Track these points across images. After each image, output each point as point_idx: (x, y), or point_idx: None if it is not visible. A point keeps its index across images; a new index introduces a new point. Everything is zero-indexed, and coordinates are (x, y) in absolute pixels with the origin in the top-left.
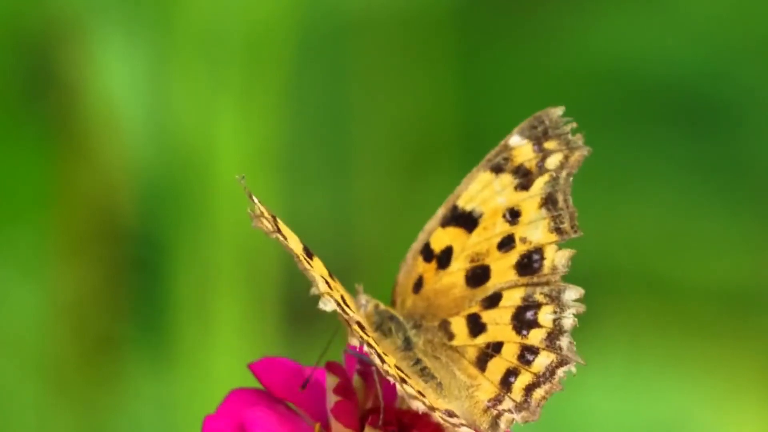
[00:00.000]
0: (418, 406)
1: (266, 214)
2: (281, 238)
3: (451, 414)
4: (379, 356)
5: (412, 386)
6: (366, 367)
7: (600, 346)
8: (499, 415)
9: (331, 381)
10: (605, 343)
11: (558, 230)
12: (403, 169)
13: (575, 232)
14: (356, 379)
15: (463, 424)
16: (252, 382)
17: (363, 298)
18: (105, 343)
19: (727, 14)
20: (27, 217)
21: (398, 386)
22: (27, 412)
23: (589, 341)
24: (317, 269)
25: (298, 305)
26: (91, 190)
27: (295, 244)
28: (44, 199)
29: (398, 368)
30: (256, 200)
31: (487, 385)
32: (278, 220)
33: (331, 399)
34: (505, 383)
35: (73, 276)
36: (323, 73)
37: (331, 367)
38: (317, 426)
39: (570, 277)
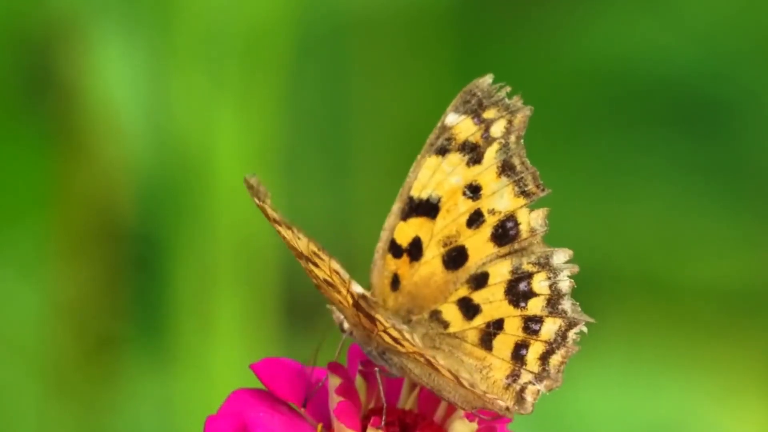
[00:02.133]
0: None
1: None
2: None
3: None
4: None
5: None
6: (368, 367)
7: (600, 345)
8: (522, 390)
9: (333, 381)
10: (605, 343)
11: (524, 193)
12: (403, 169)
13: (542, 190)
14: (358, 380)
15: (496, 399)
16: (252, 382)
17: (342, 315)
18: (105, 342)
19: (727, 14)
20: (26, 217)
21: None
22: (27, 412)
23: (589, 341)
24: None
25: (298, 305)
26: (91, 190)
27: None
28: (44, 198)
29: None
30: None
31: (499, 363)
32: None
33: (334, 399)
34: (517, 357)
35: (72, 276)
36: (323, 73)
37: (333, 368)
38: (319, 426)
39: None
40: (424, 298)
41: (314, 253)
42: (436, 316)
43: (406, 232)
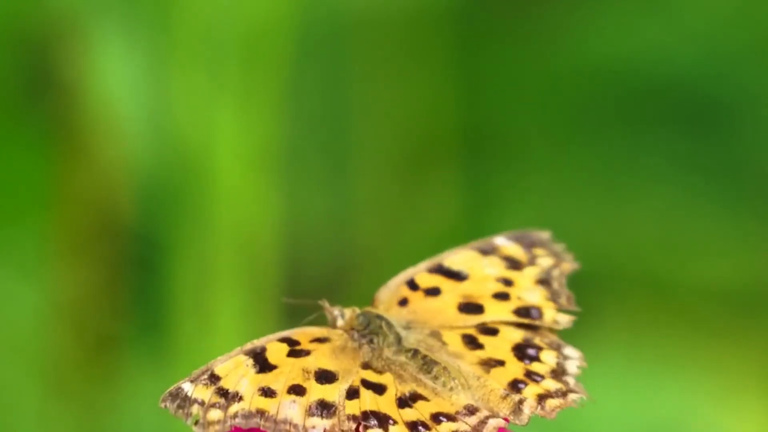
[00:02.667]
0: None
1: None
2: None
3: (471, 410)
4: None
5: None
6: None
7: (600, 345)
8: (521, 401)
9: None
10: (605, 343)
11: (555, 302)
12: (403, 169)
13: (571, 306)
14: None
15: (488, 417)
16: None
17: (335, 310)
18: (105, 342)
19: (727, 15)
20: (26, 217)
21: None
22: (27, 411)
23: (589, 340)
24: None
25: (297, 304)
26: (91, 190)
27: None
28: (44, 198)
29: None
30: None
31: (495, 384)
32: None
33: None
34: (514, 388)
35: (72, 275)
36: (323, 73)
37: None
38: None
39: (571, 277)
40: (429, 320)
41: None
42: (436, 335)
43: (428, 280)
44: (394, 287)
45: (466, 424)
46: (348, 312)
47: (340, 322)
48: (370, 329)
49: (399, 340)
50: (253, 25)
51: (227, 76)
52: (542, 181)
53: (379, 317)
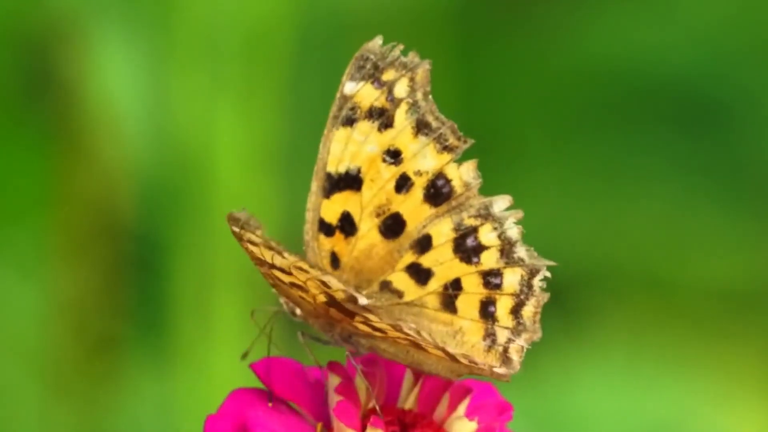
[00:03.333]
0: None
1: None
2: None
3: (470, 360)
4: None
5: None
6: (368, 367)
7: (599, 345)
8: (506, 350)
9: (332, 381)
10: (605, 342)
11: (447, 148)
12: None
13: (464, 142)
14: (358, 379)
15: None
16: (252, 382)
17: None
18: (105, 342)
19: (727, 14)
20: (26, 217)
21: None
22: (27, 412)
23: (589, 340)
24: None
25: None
26: (91, 190)
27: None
28: (43, 198)
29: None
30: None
31: (469, 325)
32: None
33: (333, 399)
34: (487, 315)
35: (72, 275)
36: (323, 73)
37: (333, 367)
38: (319, 426)
39: (570, 277)
40: (370, 270)
41: (299, 268)
42: (387, 286)
43: (332, 209)
44: (313, 243)
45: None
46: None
47: (298, 312)
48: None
49: None
50: (254, 24)
51: (228, 76)
52: (542, 181)
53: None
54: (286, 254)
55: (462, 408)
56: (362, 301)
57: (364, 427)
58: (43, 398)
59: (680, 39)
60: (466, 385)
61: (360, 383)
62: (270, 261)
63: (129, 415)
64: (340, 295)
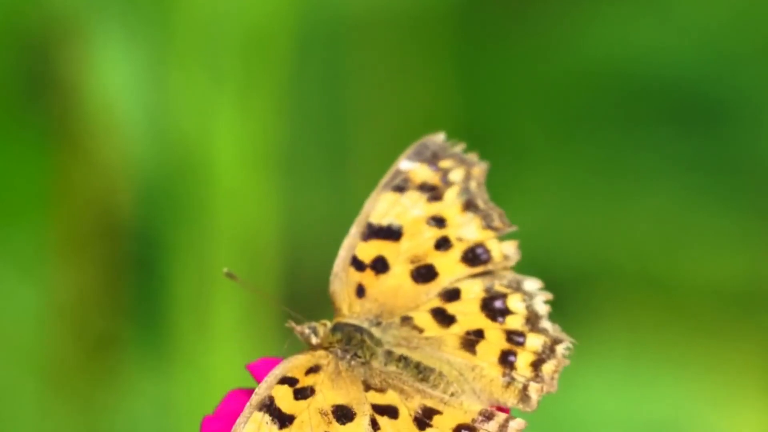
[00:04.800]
0: None
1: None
2: None
3: (488, 415)
4: None
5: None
6: None
7: (600, 344)
8: (525, 388)
9: None
10: (605, 342)
11: (491, 227)
12: None
13: (508, 226)
14: None
15: (508, 420)
16: (250, 382)
17: (306, 327)
18: (104, 341)
19: (726, 14)
20: (26, 217)
21: None
22: (26, 410)
23: (589, 340)
24: None
25: (296, 304)
26: (90, 189)
27: None
28: (43, 198)
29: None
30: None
31: (487, 366)
32: None
33: None
34: (506, 362)
35: (72, 275)
36: (323, 73)
37: None
38: None
39: (570, 277)
40: (393, 305)
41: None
42: (408, 321)
43: (367, 251)
44: (342, 274)
45: (488, 430)
46: (320, 328)
47: (314, 340)
48: (352, 344)
49: (379, 343)
50: (253, 24)
51: (227, 76)
52: (542, 181)
53: (358, 329)
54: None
55: None
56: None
57: None
58: (42, 397)
59: (679, 39)
60: None
61: None
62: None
63: (127, 413)
64: None
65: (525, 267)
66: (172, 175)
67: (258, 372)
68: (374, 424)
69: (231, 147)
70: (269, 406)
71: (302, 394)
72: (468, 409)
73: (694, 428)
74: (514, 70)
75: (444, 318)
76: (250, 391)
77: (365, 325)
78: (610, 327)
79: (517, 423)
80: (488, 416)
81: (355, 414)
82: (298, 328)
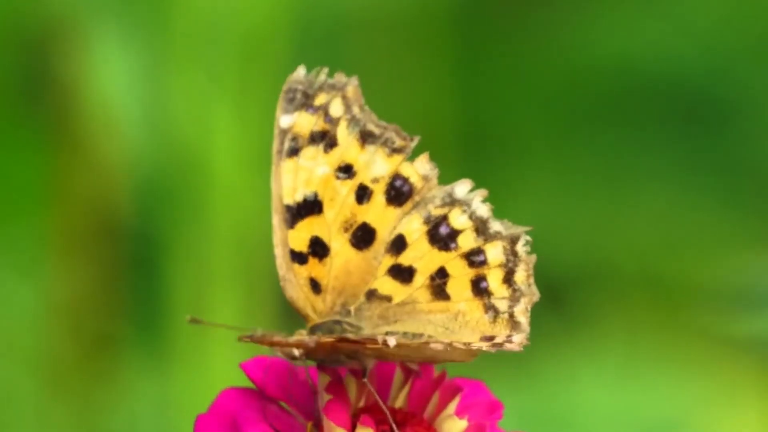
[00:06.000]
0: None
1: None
2: None
3: (488, 338)
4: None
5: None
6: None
7: (597, 344)
8: (511, 315)
9: (322, 379)
10: (602, 342)
11: (395, 150)
12: None
13: (411, 140)
14: (348, 378)
15: (509, 335)
16: (248, 381)
17: (293, 339)
18: (102, 341)
19: (727, 11)
20: (24, 216)
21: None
22: (24, 411)
23: (587, 339)
24: None
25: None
26: (89, 189)
27: None
28: (41, 198)
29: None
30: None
31: (466, 306)
32: None
33: (323, 398)
34: (480, 291)
35: (70, 275)
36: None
37: (323, 366)
38: (309, 425)
39: (569, 276)
40: (352, 285)
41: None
42: (373, 294)
43: (299, 237)
44: (289, 275)
45: (494, 341)
46: (306, 333)
47: (296, 353)
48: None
49: (360, 330)
50: (251, 24)
51: (225, 75)
52: (542, 181)
53: (335, 322)
54: (325, 339)
55: (452, 406)
56: (391, 341)
57: (353, 426)
58: (41, 397)
59: (680, 38)
60: (456, 383)
61: (350, 382)
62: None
63: (126, 413)
64: (350, 337)
65: None
66: (170, 174)
67: (251, 370)
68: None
69: (229, 146)
70: None
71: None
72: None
73: (693, 428)
74: (514, 69)
75: (403, 274)
76: (244, 390)
77: (338, 318)
78: (608, 327)
79: (519, 336)
80: (488, 338)
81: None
82: (283, 349)
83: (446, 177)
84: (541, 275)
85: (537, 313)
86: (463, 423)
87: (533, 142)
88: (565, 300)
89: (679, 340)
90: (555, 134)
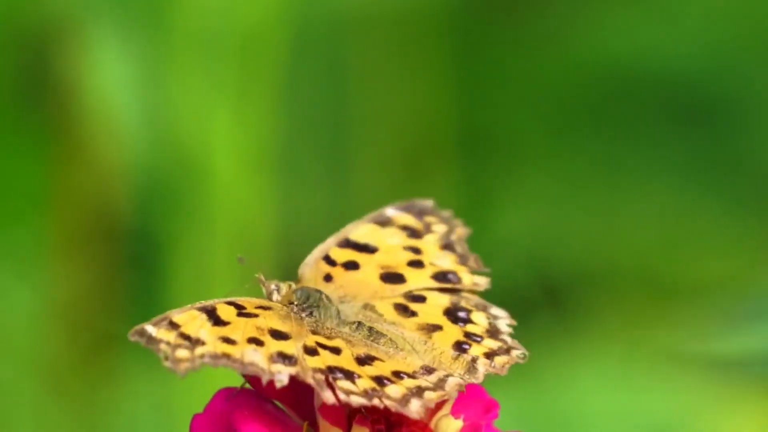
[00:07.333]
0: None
1: None
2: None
3: (429, 370)
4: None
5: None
6: None
7: (597, 344)
8: (474, 360)
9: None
10: (602, 342)
11: (465, 265)
12: (401, 169)
13: (481, 268)
14: None
15: (447, 375)
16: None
17: (272, 284)
18: (102, 341)
19: (727, 11)
20: (24, 217)
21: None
22: (23, 411)
23: (586, 339)
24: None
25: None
26: (88, 190)
27: None
28: (40, 198)
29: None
30: None
31: (440, 344)
32: None
33: (319, 397)
34: (459, 349)
35: (69, 275)
36: (320, 73)
37: None
38: (305, 425)
39: (568, 276)
40: (358, 293)
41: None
42: (369, 308)
43: (341, 254)
44: (313, 264)
45: (427, 381)
46: (284, 287)
47: (275, 297)
48: (309, 303)
49: (338, 313)
50: (250, 24)
51: (224, 76)
52: (541, 181)
53: (318, 291)
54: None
55: (448, 406)
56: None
57: (349, 426)
58: (40, 398)
59: (679, 37)
60: None
61: None
62: None
63: (126, 414)
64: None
65: (523, 266)
66: (170, 175)
67: None
68: (314, 351)
69: (229, 147)
70: (209, 311)
71: (245, 315)
72: (410, 364)
73: (692, 428)
74: (514, 70)
75: (405, 311)
76: (240, 389)
77: (331, 296)
78: (608, 327)
79: (455, 380)
80: (429, 371)
81: (290, 338)
82: (265, 282)
83: (445, 177)
84: (541, 275)
85: (537, 313)
86: (459, 422)
87: (532, 142)
88: (564, 300)
89: (679, 339)
90: (554, 134)
